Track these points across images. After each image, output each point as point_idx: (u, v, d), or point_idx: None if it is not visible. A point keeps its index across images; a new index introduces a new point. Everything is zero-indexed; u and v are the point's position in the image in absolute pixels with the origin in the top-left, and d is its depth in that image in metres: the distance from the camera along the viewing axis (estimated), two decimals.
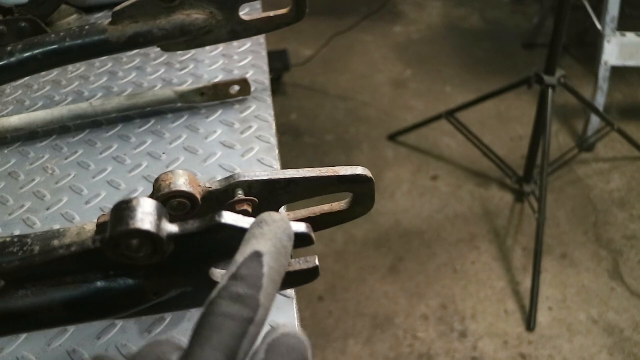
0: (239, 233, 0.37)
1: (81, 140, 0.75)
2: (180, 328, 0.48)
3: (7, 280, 0.40)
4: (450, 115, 2.10)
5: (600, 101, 2.07)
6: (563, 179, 2.04)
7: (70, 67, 0.91)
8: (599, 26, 2.00)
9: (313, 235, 0.38)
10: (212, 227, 0.37)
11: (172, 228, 0.36)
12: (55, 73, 0.90)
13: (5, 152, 0.75)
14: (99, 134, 0.75)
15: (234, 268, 0.28)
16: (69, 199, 0.65)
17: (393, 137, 2.28)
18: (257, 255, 0.29)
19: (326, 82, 2.67)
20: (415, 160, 2.18)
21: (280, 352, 0.27)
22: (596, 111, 2.01)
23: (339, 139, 2.33)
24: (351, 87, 2.63)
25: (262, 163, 0.66)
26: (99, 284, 0.41)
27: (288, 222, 0.33)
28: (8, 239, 0.51)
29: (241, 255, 0.29)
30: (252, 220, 0.38)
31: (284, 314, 0.49)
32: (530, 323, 1.59)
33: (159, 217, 0.36)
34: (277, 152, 0.68)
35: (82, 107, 0.76)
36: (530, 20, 2.88)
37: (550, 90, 1.72)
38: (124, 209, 0.35)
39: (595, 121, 2.11)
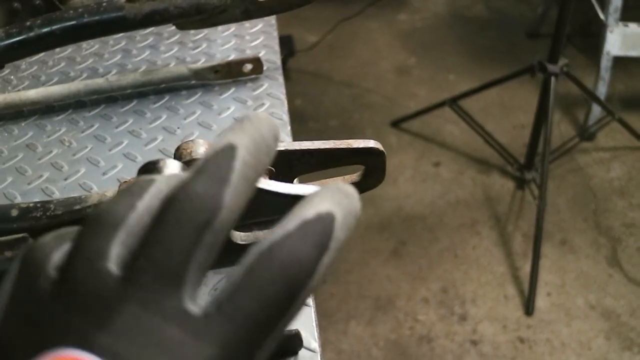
0: (262, 194, 0.39)
1: (97, 114, 0.77)
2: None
3: (34, 238, 0.42)
4: (453, 102, 2.12)
5: (601, 91, 2.09)
6: (564, 167, 2.06)
7: (85, 45, 0.92)
8: (602, 16, 2.01)
9: None
10: None
11: None
12: (69, 50, 0.91)
13: (23, 124, 0.77)
14: (114, 108, 0.77)
15: (199, 162, 0.23)
16: (86, 170, 0.67)
17: (396, 124, 2.29)
18: (230, 149, 0.23)
19: (331, 68, 2.68)
20: (418, 147, 2.20)
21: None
22: (597, 100, 2.03)
23: (343, 125, 2.34)
24: (355, 74, 2.64)
25: None
26: None
27: (275, 122, 0.27)
28: (31, 204, 0.53)
29: (211, 148, 0.24)
30: (273, 182, 0.41)
31: (302, 322, 0.48)
32: (529, 307, 1.62)
33: None
34: (289, 128, 0.70)
35: (98, 82, 0.78)
36: (535, 10, 2.89)
37: (552, 79, 1.74)
38: (151, 169, 0.37)
39: (596, 111, 2.13)
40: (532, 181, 1.92)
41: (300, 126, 2.32)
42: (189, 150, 0.49)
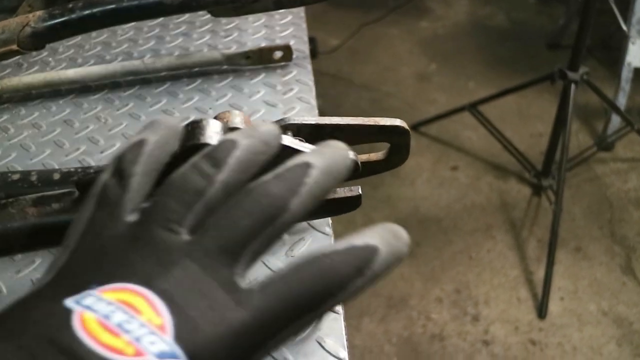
0: (297, 153, 0.42)
1: (132, 94, 0.80)
2: None
3: (81, 192, 0.45)
4: (472, 107, 2.14)
5: (621, 101, 2.10)
6: (580, 175, 2.07)
7: (119, 30, 0.96)
8: (624, 27, 2.03)
9: (359, 162, 0.43)
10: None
11: None
12: (105, 35, 0.95)
13: (60, 102, 0.80)
14: (148, 90, 0.80)
15: (281, 169, 0.28)
16: (122, 145, 0.70)
17: (415, 127, 2.32)
18: (306, 166, 0.28)
19: (351, 72, 2.71)
20: (436, 151, 2.22)
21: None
22: (617, 110, 2.04)
23: None
24: (376, 78, 2.67)
25: None
26: None
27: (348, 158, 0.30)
28: (72, 169, 0.56)
29: (291, 161, 0.28)
30: (308, 145, 0.43)
31: (331, 331, 0.48)
32: (541, 311, 1.63)
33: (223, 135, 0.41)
34: (316, 111, 0.73)
35: (135, 63, 0.81)
36: (555, 21, 2.90)
37: (572, 86, 1.75)
38: (194, 127, 0.40)
39: (615, 121, 2.14)
40: (548, 188, 1.93)
41: None
42: (225, 120, 0.52)
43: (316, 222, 0.57)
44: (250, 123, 0.54)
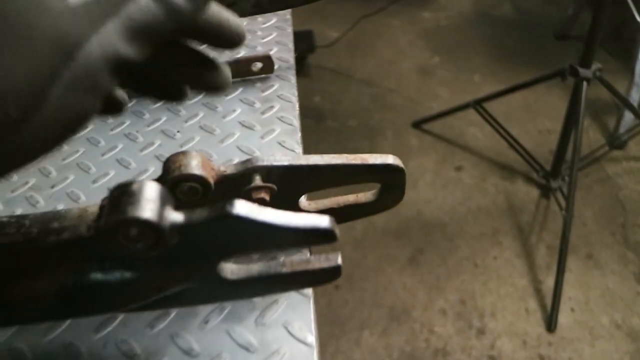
0: (253, 226, 0.32)
1: None
2: (186, 324, 0.44)
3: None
4: (477, 104, 2.04)
5: (635, 97, 2.00)
6: (591, 176, 1.97)
7: None
8: (638, 19, 1.92)
9: (337, 230, 0.34)
10: (222, 217, 0.32)
11: (176, 217, 0.32)
12: None
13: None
14: None
15: None
16: (76, 176, 0.61)
17: (418, 125, 2.22)
18: None
19: (351, 66, 2.61)
20: (439, 150, 2.13)
21: None
22: (631, 107, 1.93)
23: (362, 125, 2.27)
24: (377, 72, 2.57)
25: (283, 146, 0.62)
26: (94, 275, 0.36)
27: None
28: (5, 219, 0.47)
29: None
30: (269, 210, 0.34)
31: (300, 314, 0.44)
32: (551, 324, 1.54)
33: (162, 204, 0.31)
34: (299, 134, 0.64)
35: None
36: (564, 11, 2.79)
37: (584, 84, 1.65)
38: (122, 194, 0.31)
39: (628, 118, 2.03)
40: (558, 190, 1.84)
41: (317, 125, 2.26)
42: (178, 164, 0.42)
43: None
44: (210, 166, 0.44)
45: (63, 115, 0.26)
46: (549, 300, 1.59)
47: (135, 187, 0.31)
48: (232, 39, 0.37)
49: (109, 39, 0.26)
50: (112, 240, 0.31)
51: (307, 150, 0.58)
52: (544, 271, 1.68)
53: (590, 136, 2.11)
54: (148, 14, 0.27)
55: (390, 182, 0.48)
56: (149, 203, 0.31)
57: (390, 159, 0.46)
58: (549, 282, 1.63)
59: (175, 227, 0.32)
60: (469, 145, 2.14)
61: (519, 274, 1.68)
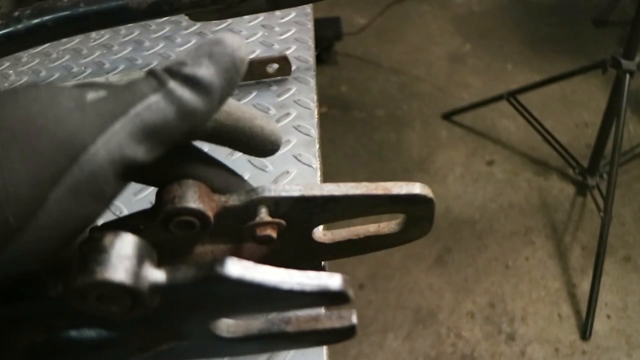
0: (247, 288, 0.26)
1: None
2: None
3: None
4: (511, 96, 1.95)
5: None
6: (631, 173, 1.87)
7: (94, 35, 0.81)
8: None
9: (350, 292, 0.28)
10: (210, 278, 0.26)
11: (157, 276, 0.26)
12: (76, 40, 0.80)
13: None
14: None
15: None
16: None
17: (448, 116, 2.14)
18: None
19: (379, 54, 2.53)
20: (470, 143, 2.05)
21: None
22: None
23: (390, 115, 2.20)
24: (405, 60, 2.49)
25: (299, 160, 0.56)
26: (67, 333, 0.31)
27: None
28: None
29: None
30: (267, 269, 0.28)
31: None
32: (585, 331, 1.46)
33: (140, 261, 0.26)
34: (317, 146, 0.57)
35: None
36: None
37: (627, 76, 1.55)
38: (92, 250, 0.26)
39: None
40: (595, 187, 1.74)
41: (344, 115, 2.19)
42: (172, 196, 0.37)
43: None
44: (210, 197, 0.39)
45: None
46: (583, 306, 1.51)
47: (107, 241, 0.26)
48: (263, 148, 0.35)
49: (116, 139, 0.24)
50: (83, 302, 0.25)
51: (333, 142, 0.52)
52: (579, 274, 1.60)
53: (631, 130, 2.01)
54: (158, 113, 0.25)
55: (417, 213, 0.42)
56: (123, 261, 0.25)
57: (417, 189, 0.40)
58: (583, 286, 1.55)
59: (156, 289, 0.26)
60: (501, 138, 2.05)
61: (552, 276, 1.61)
